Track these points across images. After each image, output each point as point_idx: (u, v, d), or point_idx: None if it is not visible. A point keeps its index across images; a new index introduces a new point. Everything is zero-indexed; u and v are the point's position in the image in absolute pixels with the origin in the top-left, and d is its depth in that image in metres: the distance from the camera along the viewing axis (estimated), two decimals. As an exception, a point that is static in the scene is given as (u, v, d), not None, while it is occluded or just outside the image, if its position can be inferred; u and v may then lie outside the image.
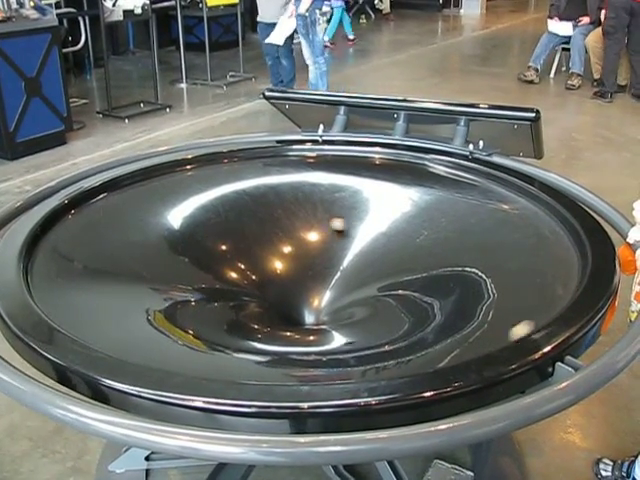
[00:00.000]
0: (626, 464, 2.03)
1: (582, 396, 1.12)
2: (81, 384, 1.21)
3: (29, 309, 1.38)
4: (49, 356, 1.24)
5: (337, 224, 2.00)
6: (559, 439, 2.25)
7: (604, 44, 6.63)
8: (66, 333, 1.30)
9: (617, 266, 1.50)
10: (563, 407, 1.10)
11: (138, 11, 6.39)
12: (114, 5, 6.26)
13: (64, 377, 1.23)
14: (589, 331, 1.28)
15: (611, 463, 2.07)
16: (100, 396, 1.18)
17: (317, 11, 5.98)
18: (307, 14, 5.96)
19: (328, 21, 6.10)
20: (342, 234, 2.03)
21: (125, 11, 6.34)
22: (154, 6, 7.21)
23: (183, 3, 7.24)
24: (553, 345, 1.22)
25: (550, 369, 1.21)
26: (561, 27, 7.17)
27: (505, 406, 1.08)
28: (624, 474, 2.01)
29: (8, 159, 4.91)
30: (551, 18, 7.25)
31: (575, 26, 7.02)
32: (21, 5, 5.16)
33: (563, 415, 2.31)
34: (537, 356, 1.20)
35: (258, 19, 6.65)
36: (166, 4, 7.78)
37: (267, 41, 6.29)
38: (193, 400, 1.12)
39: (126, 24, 8.58)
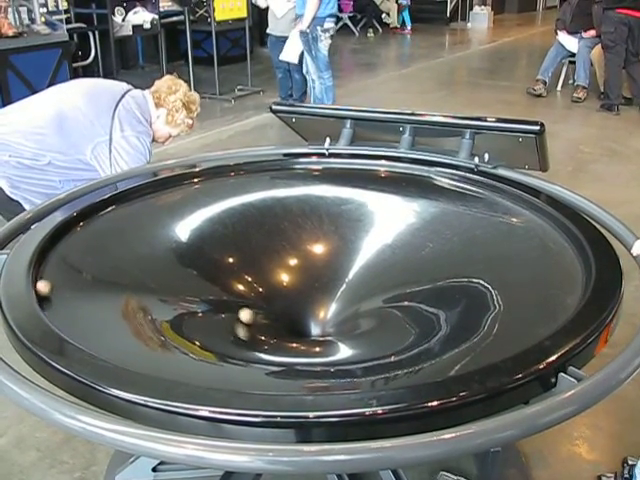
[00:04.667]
0: (626, 469, 2.03)
1: (585, 406, 1.12)
2: (89, 394, 1.22)
3: (38, 320, 1.40)
4: (57, 366, 1.26)
5: (244, 316, 1.82)
6: (566, 451, 2.25)
7: (605, 58, 6.66)
8: (74, 343, 1.32)
9: (621, 277, 1.51)
10: (566, 417, 1.10)
11: (147, 26, 6.47)
12: (123, 20, 6.34)
13: (72, 387, 1.24)
14: (592, 342, 1.29)
15: (612, 475, 2.07)
16: (107, 406, 1.20)
17: (318, 27, 5.98)
18: (308, 30, 6.00)
19: (332, 37, 6.09)
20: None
21: (134, 26, 6.43)
22: (163, 21, 7.29)
23: (192, 17, 7.30)
24: (556, 356, 1.23)
25: (553, 380, 1.21)
26: (568, 41, 7.20)
27: (509, 416, 1.09)
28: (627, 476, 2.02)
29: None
30: (559, 31, 7.30)
31: (580, 38, 7.05)
32: (32, 21, 5.23)
33: (569, 427, 2.31)
34: (540, 367, 1.21)
35: (268, 32, 6.70)
36: (175, 19, 7.86)
37: (280, 58, 6.34)
38: (199, 410, 1.14)
39: (135, 39, 8.66)
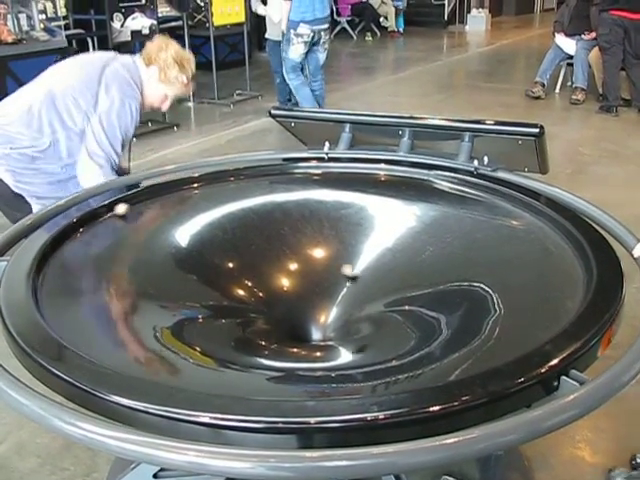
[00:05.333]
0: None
1: (587, 410, 1.12)
2: (89, 400, 1.21)
3: (38, 326, 1.39)
4: (57, 372, 1.26)
5: (347, 270, 2.00)
6: (568, 454, 2.24)
7: (602, 59, 6.67)
8: (74, 350, 1.31)
9: (622, 280, 1.50)
10: (568, 421, 1.10)
11: (146, 31, 6.47)
12: (122, 26, 6.34)
13: (72, 393, 1.24)
14: (594, 345, 1.29)
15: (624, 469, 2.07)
16: (108, 412, 1.19)
17: (291, 31, 6.08)
18: (285, 32, 6.11)
19: (306, 43, 6.16)
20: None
21: (133, 32, 6.42)
22: (161, 26, 7.29)
23: (190, 23, 7.31)
24: (558, 359, 1.22)
25: (555, 383, 1.21)
26: (566, 43, 7.21)
27: (511, 420, 1.09)
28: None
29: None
30: (557, 33, 7.31)
31: (579, 40, 7.05)
32: (31, 27, 5.24)
33: (572, 430, 2.30)
34: (542, 370, 1.20)
35: (266, 36, 6.73)
36: (173, 24, 7.87)
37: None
38: (200, 416, 1.13)
39: (134, 44, 8.65)
